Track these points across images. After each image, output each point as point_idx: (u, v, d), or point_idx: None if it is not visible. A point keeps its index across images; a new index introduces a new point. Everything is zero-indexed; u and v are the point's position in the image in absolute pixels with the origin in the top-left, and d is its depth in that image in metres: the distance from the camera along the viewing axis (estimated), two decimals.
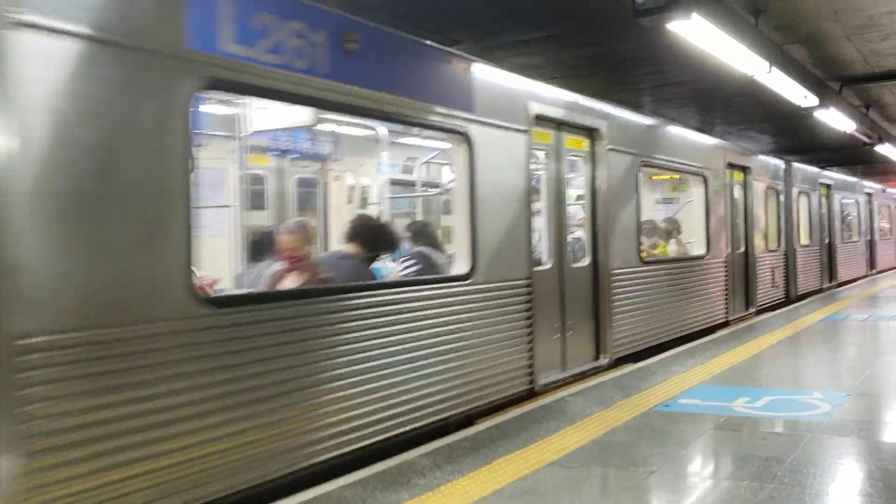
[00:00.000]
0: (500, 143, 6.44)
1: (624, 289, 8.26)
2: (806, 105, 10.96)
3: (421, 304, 5.50)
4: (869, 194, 22.43)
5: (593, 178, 8.22)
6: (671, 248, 10.95)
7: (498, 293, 6.29)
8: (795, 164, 16.39)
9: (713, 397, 6.35)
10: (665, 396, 6.41)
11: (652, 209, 12.73)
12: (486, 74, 6.51)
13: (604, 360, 7.89)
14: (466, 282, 5.98)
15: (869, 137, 15.22)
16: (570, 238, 8.01)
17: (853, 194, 21.03)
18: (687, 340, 9.47)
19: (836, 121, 12.21)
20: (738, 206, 12.65)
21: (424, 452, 4.96)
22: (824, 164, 22.54)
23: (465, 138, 6.06)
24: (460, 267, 6.10)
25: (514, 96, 6.87)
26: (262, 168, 9.36)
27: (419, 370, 5.35)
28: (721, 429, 5.46)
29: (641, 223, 9.23)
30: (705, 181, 10.88)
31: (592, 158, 8.21)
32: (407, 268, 6.31)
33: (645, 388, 6.74)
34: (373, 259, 6.11)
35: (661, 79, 12.34)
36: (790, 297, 14.74)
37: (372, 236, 6.14)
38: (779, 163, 15.25)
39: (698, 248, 10.78)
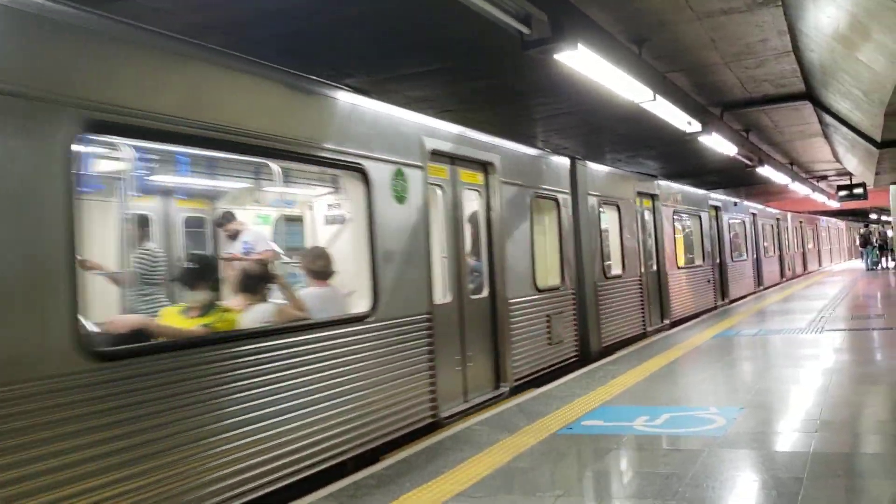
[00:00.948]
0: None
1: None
2: (690, 130, 11.46)
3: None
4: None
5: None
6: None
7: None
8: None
9: (615, 417, 6.45)
10: (569, 419, 6.47)
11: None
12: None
13: (504, 388, 7.98)
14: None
15: (750, 160, 16.02)
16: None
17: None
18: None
19: (719, 145, 12.79)
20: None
21: (329, 493, 4.83)
22: (710, 186, 23.58)
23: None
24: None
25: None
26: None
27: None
28: (623, 448, 5.54)
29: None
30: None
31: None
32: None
33: (549, 413, 6.79)
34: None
35: (553, 109, 12.68)
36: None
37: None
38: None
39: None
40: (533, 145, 11.98)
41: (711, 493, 4.34)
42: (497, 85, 10.85)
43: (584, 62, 7.11)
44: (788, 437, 5.62)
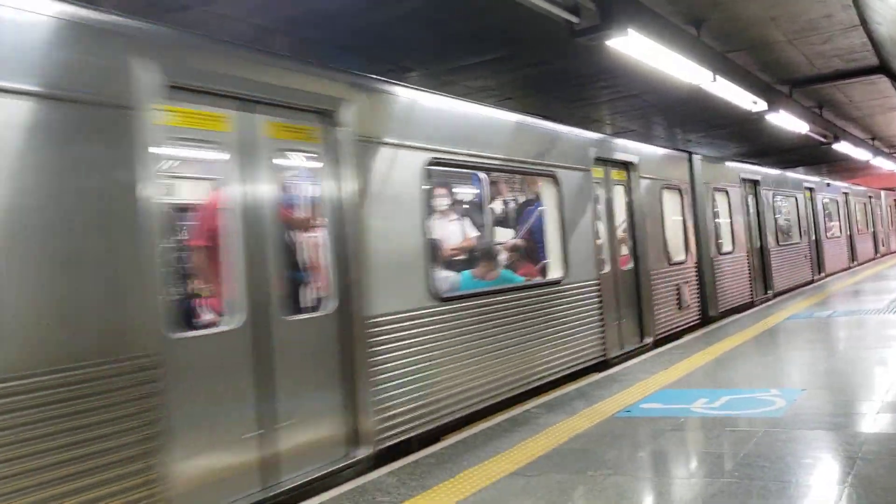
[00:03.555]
0: None
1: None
2: (756, 109, 11.26)
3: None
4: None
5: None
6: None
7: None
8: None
9: (674, 400, 6.50)
10: (628, 402, 6.54)
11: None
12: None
13: (648, 340, 9.56)
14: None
15: (825, 137, 15.59)
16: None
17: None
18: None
19: (789, 123, 12.52)
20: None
21: (390, 471, 5.07)
22: (789, 164, 22.96)
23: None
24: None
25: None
26: None
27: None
28: (677, 430, 5.61)
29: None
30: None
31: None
32: None
33: (609, 396, 6.88)
34: None
35: (614, 93, 12.60)
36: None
37: None
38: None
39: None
40: (600, 130, 12.11)
41: (761, 472, 4.39)
42: (555, 71, 10.85)
43: (637, 47, 7.13)
44: (846, 418, 5.57)
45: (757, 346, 9.28)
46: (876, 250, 26.37)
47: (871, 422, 5.42)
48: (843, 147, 16.78)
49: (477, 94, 10.80)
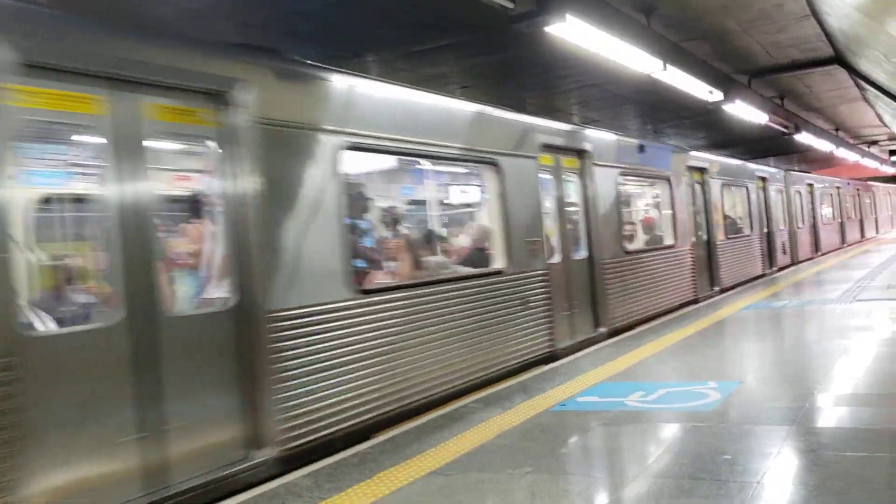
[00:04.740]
0: None
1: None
2: (713, 99, 11.20)
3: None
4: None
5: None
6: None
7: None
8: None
9: (611, 393, 6.40)
10: (565, 396, 6.45)
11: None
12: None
13: (602, 330, 9.38)
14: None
15: (786, 127, 15.59)
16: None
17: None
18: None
19: (747, 113, 12.48)
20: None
21: (308, 472, 4.92)
22: (754, 155, 23.01)
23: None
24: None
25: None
26: None
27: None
28: (606, 424, 5.51)
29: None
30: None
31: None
32: None
33: (548, 389, 6.78)
34: None
35: (574, 82, 12.48)
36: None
37: None
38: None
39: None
40: (566, 120, 11.91)
41: (678, 470, 4.30)
42: (513, 59, 10.70)
43: (579, 34, 7.01)
44: (776, 413, 5.49)
45: (706, 337, 9.23)
46: (842, 241, 26.47)
47: (802, 416, 5.34)
48: (804, 137, 16.81)
49: (433, 83, 10.62)
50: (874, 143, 26.13)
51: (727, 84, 11.45)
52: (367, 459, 5.10)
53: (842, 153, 22.02)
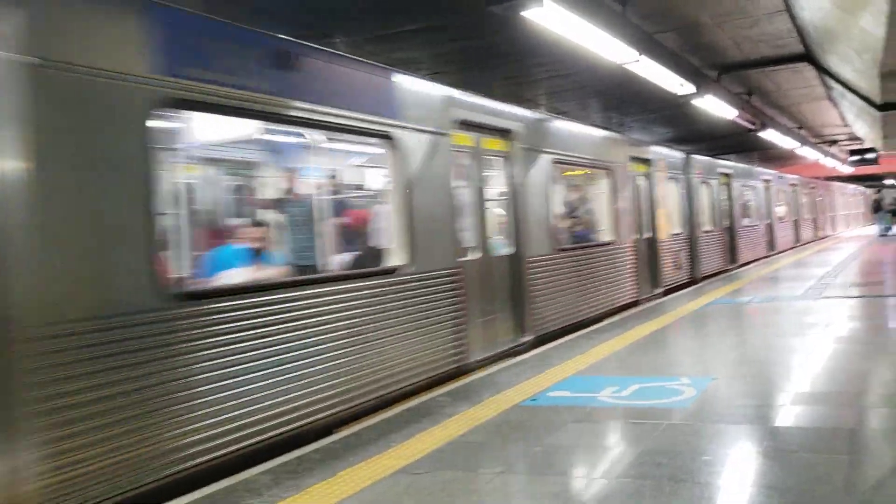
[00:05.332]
0: None
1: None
2: (683, 93, 11.10)
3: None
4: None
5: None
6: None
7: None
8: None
9: (582, 388, 6.25)
10: (536, 390, 6.28)
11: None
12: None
13: (527, 338, 8.26)
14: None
15: (753, 124, 15.61)
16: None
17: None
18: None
19: (716, 108, 12.42)
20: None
21: (269, 468, 4.68)
22: (719, 151, 23.12)
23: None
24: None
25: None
26: None
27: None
28: (580, 421, 5.36)
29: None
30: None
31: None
32: None
33: (518, 383, 6.60)
34: None
35: (547, 71, 12.33)
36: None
37: None
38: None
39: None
40: (538, 109, 11.65)
41: (657, 470, 4.15)
42: (485, 46, 10.50)
43: (556, 20, 6.81)
44: (752, 411, 5.38)
45: (647, 344, 9.14)
46: (797, 239, 26.77)
47: (779, 415, 5.25)
48: (769, 135, 16.87)
49: (403, 67, 10.35)
50: (834, 142, 26.44)
51: (698, 78, 11.36)
52: (330, 455, 4.88)
53: (804, 151, 22.19)
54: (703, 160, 17.21)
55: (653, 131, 20.28)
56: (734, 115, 13.39)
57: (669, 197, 14.60)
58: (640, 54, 8.58)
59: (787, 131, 18.99)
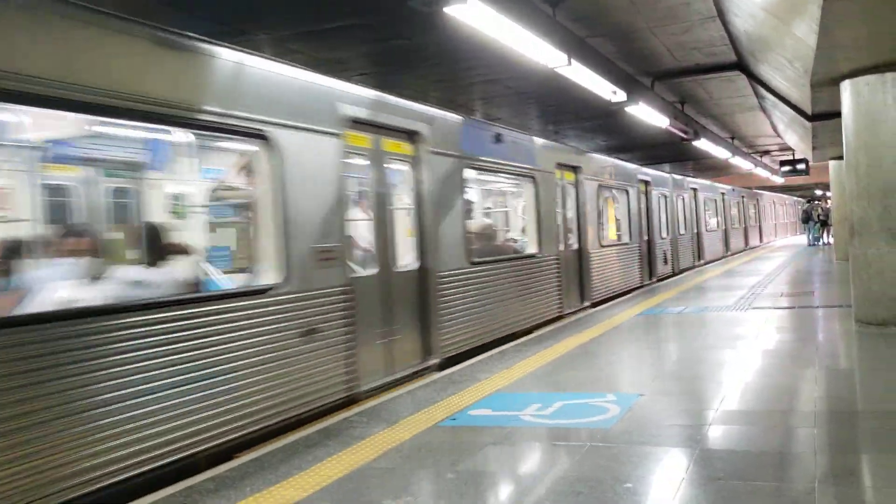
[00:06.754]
0: None
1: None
2: (616, 100, 10.94)
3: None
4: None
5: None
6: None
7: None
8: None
9: (505, 406, 5.94)
10: (457, 408, 5.95)
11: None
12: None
13: (433, 361, 7.58)
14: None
15: (686, 133, 15.62)
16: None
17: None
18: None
19: (649, 116, 12.32)
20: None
21: (155, 500, 4.23)
22: (653, 161, 23.28)
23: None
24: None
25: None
26: None
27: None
28: (499, 444, 5.03)
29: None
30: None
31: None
32: None
33: (440, 401, 6.26)
34: None
35: (478, 76, 12.09)
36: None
37: None
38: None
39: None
40: (470, 115, 11.29)
41: (573, 500, 3.84)
42: (414, 47, 10.17)
43: (482, 19, 6.52)
44: (678, 431, 5.15)
45: (564, 362, 8.89)
46: (727, 248, 27.12)
47: (706, 436, 5.01)
48: (703, 144, 16.93)
49: (327, 67, 9.95)
50: (766, 153, 26.89)
51: (630, 85, 11.23)
52: (225, 485, 4.45)
53: (736, 161, 22.46)
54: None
55: (590, 140, 20.25)
56: (667, 123, 13.32)
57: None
58: (571, 58, 8.34)
59: (720, 141, 19.13)
